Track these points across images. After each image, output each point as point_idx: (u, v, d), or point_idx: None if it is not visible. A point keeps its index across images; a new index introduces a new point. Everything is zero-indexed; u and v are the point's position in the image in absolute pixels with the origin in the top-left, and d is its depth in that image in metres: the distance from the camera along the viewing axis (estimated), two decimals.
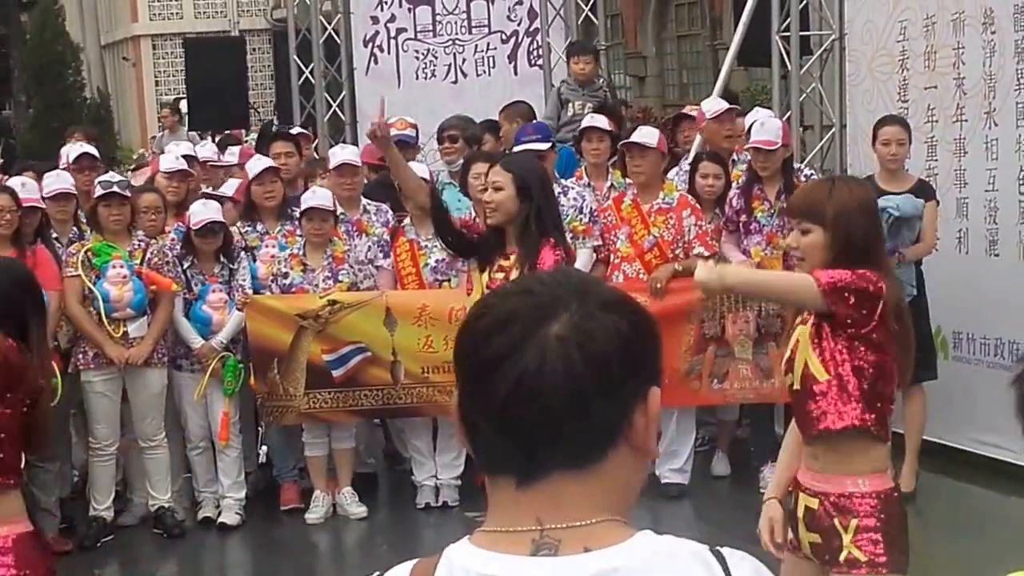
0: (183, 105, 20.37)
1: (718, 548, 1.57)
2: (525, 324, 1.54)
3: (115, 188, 7.64)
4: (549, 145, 7.99)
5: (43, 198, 8.07)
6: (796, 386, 4.12)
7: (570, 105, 10.15)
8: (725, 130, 8.56)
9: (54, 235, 8.11)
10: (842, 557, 4.00)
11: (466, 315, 1.65)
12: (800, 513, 4.14)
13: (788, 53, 10.15)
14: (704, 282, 4.05)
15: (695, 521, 7.99)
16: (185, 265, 7.85)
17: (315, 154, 10.66)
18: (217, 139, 13.99)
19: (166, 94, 36.61)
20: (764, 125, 7.84)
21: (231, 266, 7.90)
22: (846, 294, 3.91)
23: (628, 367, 1.55)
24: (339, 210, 8.01)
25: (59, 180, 8.21)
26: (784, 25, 10.12)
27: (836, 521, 4.01)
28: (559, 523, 1.53)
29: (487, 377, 1.56)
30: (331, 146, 10.05)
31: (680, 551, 1.54)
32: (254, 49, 31.65)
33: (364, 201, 8.46)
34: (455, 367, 1.64)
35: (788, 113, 10.21)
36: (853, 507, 4.00)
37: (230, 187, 8.77)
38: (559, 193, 7.90)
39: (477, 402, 1.59)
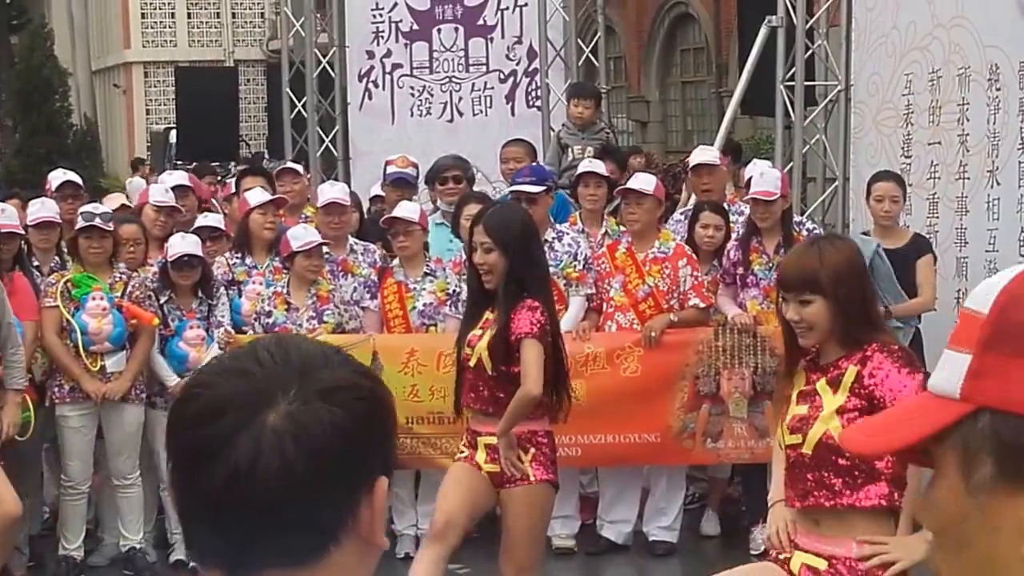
0: (172, 135, 20.47)
1: None
2: (239, 412, 1.48)
3: (96, 221, 7.63)
4: (544, 188, 8.00)
5: (27, 226, 8.10)
6: (806, 451, 4.10)
7: (569, 150, 10.10)
8: (702, 183, 8.68)
9: (35, 263, 8.14)
10: None
11: (180, 391, 1.58)
12: (796, 568, 4.15)
13: (792, 103, 10.23)
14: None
15: None
16: (162, 300, 7.85)
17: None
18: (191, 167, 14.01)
19: (156, 123, 36.70)
20: (763, 175, 7.89)
21: (210, 302, 7.91)
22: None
23: (349, 460, 1.50)
24: (325, 249, 8.02)
25: (44, 208, 8.23)
26: (789, 74, 10.20)
27: None
28: None
29: (198, 468, 1.48)
30: (323, 182, 10.09)
31: None
32: (248, 80, 31.78)
33: (351, 240, 8.50)
34: (167, 442, 1.56)
35: (791, 164, 10.27)
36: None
37: (215, 219, 8.73)
38: (553, 238, 7.95)
39: (188, 490, 1.52)
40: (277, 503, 1.47)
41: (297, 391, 1.50)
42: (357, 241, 8.55)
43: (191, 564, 7.76)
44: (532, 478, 5.63)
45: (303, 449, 1.47)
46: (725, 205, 8.44)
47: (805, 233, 7.97)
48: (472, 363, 5.67)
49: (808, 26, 10.23)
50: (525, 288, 5.58)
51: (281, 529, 1.48)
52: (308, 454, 1.47)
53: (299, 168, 9.85)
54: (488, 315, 5.70)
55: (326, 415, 1.49)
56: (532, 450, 5.65)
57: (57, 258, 8.28)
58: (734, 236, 8.10)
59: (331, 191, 8.52)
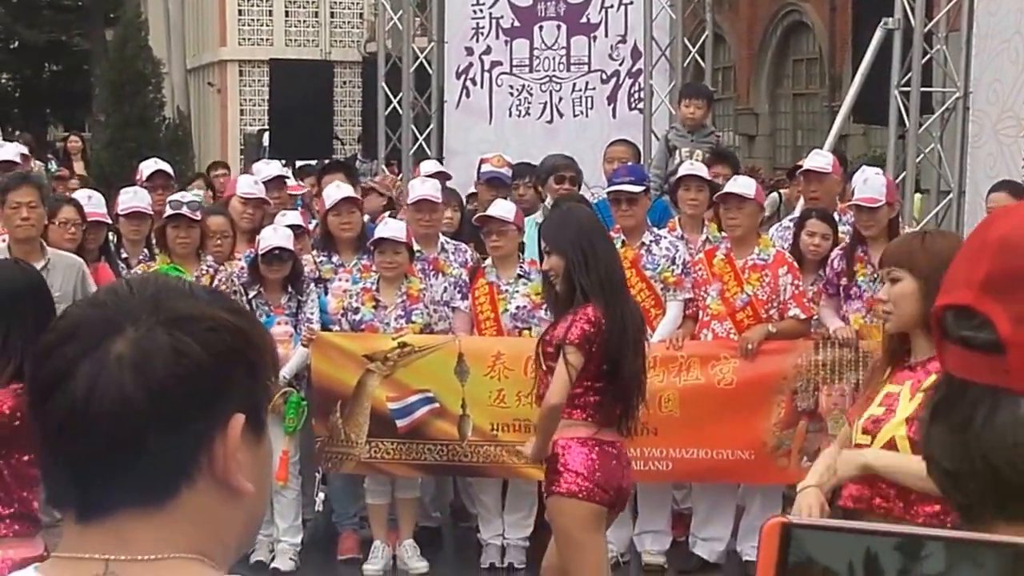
0: (266, 138, 20.62)
1: None
2: (85, 341, 1.46)
3: (184, 210, 7.77)
4: (643, 189, 8.01)
5: (117, 215, 8.24)
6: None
7: (678, 152, 10.02)
8: (809, 190, 8.69)
9: (124, 255, 8.27)
10: None
11: None
12: None
13: (907, 110, 10.13)
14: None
15: None
16: (251, 294, 7.93)
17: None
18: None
19: (250, 124, 37.12)
20: (867, 182, 7.82)
21: (299, 298, 7.99)
22: None
23: (198, 393, 1.47)
24: (416, 247, 8.09)
25: (135, 198, 8.38)
26: (904, 80, 10.11)
27: None
28: (126, 556, 1.46)
29: (43, 400, 1.47)
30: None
31: None
32: (345, 82, 32.05)
33: (443, 239, 8.56)
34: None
35: (903, 174, 10.18)
36: None
37: (293, 217, 8.70)
38: (651, 242, 7.95)
39: (37, 428, 1.49)
40: (116, 436, 1.44)
41: (147, 319, 1.47)
42: (448, 240, 8.61)
43: (275, 568, 7.86)
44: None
45: (143, 379, 1.44)
46: (835, 215, 8.37)
47: None
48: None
49: (927, 29, 10.13)
50: (584, 291, 5.58)
51: (124, 466, 1.45)
52: (148, 384, 1.44)
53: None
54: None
55: (170, 343, 1.46)
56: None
57: (146, 250, 8.39)
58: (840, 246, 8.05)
59: (422, 188, 8.54)
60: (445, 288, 8.20)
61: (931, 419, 1.40)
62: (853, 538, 1.19)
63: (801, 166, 9.36)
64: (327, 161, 12.43)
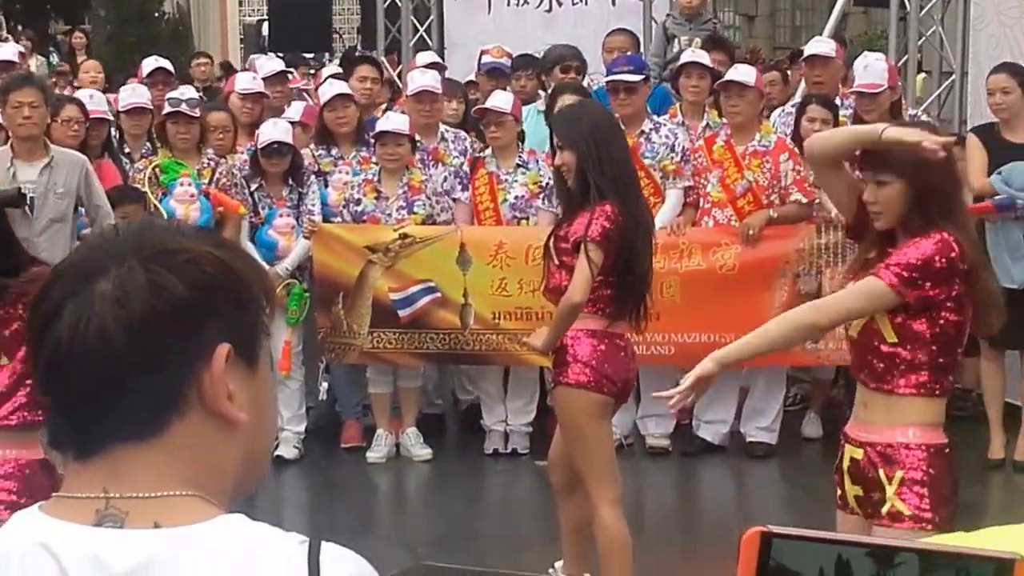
0: (265, 28, 20.47)
1: (319, 542, 1.49)
2: (72, 283, 1.49)
3: (183, 107, 7.82)
4: (642, 78, 7.94)
5: (118, 112, 8.35)
6: (852, 333, 4.20)
7: (676, 40, 9.94)
8: (814, 76, 8.57)
9: (127, 150, 8.35)
10: (885, 510, 4.06)
11: None
12: (845, 465, 4.20)
13: None
14: None
15: (780, 483, 8.00)
16: (253, 187, 7.98)
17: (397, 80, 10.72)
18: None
19: (249, 15, 36.91)
20: (868, 67, 7.78)
21: (300, 190, 8.01)
22: (920, 281, 3.98)
23: (179, 325, 1.48)
24: (416, 137, 8.07)
25: (135, 94, 8.49)
26: None
27: (881, 472, 4.08)
28: (126, 493, 1.48)
29: (34, 341, 1.51)
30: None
31: (264, 541, 1.48)
32: None
33: (442, 128, 8.54)
34: None
35: (905, 57, 10.08)
36: (899, 458, 4.06)
37: (295, 111, 8.80)
38: (650, 130, 7.89)
39: (33, 369, 1.54)
40: (101, 372, 1.46)
41: (129, 258, 1.49)
42: (448, 128, 8.59)
43: (279, 456, 7.89)
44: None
45: (123, 314, 1.46)
46: (837, 100, 8.30)
47: None
48: None
49: None
50: (598, 188, 5.46)
51: (113, 401, 1.47)
52: (128, 319, 1.46)
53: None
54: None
55: (148, 277, 1.48)
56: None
57: (148, 145, 8.46)
58: None
59: (422, 79, 8.54)
60: (445, 178, 8.18)
61: None
62: (829, 547, 1.25)
63: (802, 52, 9.27)
64: (356, 54, 12.30)
